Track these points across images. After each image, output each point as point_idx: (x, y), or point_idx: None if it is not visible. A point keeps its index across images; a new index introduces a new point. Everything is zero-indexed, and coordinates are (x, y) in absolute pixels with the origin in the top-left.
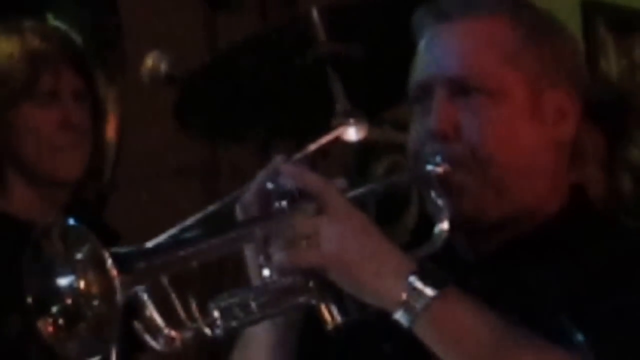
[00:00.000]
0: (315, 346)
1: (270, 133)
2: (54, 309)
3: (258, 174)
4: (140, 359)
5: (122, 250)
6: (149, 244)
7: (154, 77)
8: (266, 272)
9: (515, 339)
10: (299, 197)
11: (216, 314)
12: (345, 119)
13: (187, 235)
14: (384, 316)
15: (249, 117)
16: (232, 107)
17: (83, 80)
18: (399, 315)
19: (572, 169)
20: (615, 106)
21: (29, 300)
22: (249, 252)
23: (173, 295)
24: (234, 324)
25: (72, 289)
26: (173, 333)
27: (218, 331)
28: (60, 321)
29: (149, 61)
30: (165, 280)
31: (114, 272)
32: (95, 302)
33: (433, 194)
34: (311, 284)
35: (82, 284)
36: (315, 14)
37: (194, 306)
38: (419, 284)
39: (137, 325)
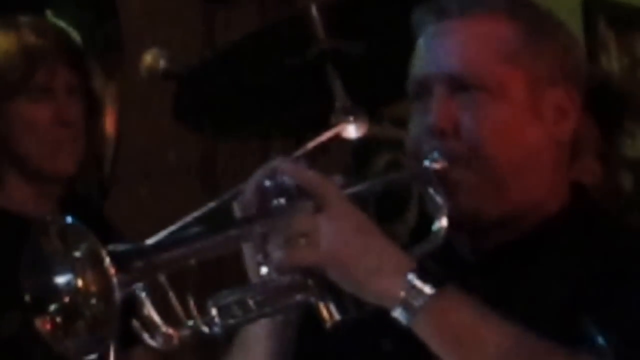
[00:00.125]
0: (314, 344)
1: (269, 130)
2: (52, 307)
3: (256, 171)
4: (135, 353)
5: (120, 248)
6: (147, 242)
7: (152, 73)
8: (264, 270)
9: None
10: (297, 194)
11: (214, 312)
12: (344, 116)
13: (186, 233)
14: (383, 314)
15: (247, 114)
16: (230, 104)
17: (79, 77)
18: (398, 313)
19: (571, 166)
20: (612, 94)
21: (27, 298)
22: (247, 250)
23: (171, 293)
24: (232, 322)
25: (70, 287)
26: (171, 331)
27: (216, 329)
28: (58, 319)
29: (148, 57)
30: (163, 278)
31: (111, 270)
32: (93, 300)
33: (431, 190)
34: (310, 282)
35: (80, 282)
36: (314, 10)
37: (192, 304)
38: (417, 282)
39: (135, 323)
